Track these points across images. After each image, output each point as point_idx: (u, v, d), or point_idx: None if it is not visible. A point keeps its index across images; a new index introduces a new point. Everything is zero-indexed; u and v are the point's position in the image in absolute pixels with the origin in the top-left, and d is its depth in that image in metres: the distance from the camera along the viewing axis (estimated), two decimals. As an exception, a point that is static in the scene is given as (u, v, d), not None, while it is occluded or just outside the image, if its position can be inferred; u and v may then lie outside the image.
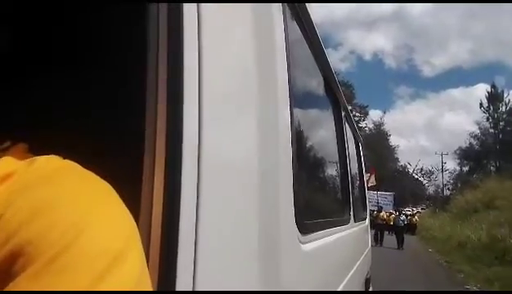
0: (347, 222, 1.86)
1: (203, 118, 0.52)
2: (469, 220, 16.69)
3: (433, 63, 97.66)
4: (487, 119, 42.95)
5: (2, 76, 0.51)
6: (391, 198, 25.39)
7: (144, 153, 0.48)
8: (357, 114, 46.29)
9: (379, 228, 16.65)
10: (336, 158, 2.00)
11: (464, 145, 45.80)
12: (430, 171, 54.09)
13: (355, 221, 2.17)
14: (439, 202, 37.57)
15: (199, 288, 0.49)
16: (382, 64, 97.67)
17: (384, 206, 22.34)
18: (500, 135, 41.70)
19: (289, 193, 0.88)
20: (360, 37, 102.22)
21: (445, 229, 18.30)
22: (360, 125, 46.78)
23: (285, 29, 0.92)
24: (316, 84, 1.64)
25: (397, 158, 58.06)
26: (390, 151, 55.50)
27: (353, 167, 2.62)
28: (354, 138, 2.97)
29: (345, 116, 2.27)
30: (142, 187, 0.47)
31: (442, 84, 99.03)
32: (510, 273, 8.01)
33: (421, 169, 55.91)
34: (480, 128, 43.96)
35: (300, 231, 0.94)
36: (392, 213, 20.47)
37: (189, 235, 0.49)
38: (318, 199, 1.46)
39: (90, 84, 0.70)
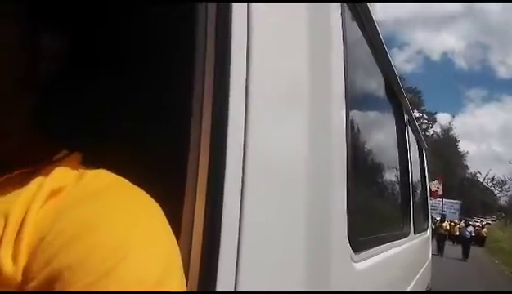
0: (406, 235, 1.73)
1: (249, 120, 0.50)
2: None
3: (510, 63, 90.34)
4: None
5: (58, 80, 0.50)
6: (457, 207, 23.79)
7: (189, 155, 0.46)
8: (425, 121, 44.33)
9: (441, 238, 15.65)
10: (397, 164, 1.87)
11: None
12: (502, 180, 50.41)
13: (415, 233, 2.02)
14: (510, 213, 34.90)
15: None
16: (452, 64, 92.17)
17: (449, 214, 21.14)
18: None
19: (342, 204, 0.81)
20: (428, 36, 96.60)
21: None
22: (427, 132, 44.75)
23: (343, 29, 0.85)
24: (376, 86, 1.53)
25: (467, 165, 54.76)
26: (459, 157, 52.44)
27: (415, 174, 2.46)
28: (418, 144, 2.78)
29: (408, 121, 2.12)
30: (185, 189, 0.46)
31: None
32: None
33: (492, 178, 52.26)
34: None
35: (353, 248, 0.86)
36: (456, 223, 19.38)
37: (230, 249, 0.46)
38: (375, 211, 1.35)
39: (138, 87, 0.68)
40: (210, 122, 0.46)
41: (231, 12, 0.48)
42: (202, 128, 0.46)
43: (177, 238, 0.40)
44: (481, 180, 53.92)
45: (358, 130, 1.18)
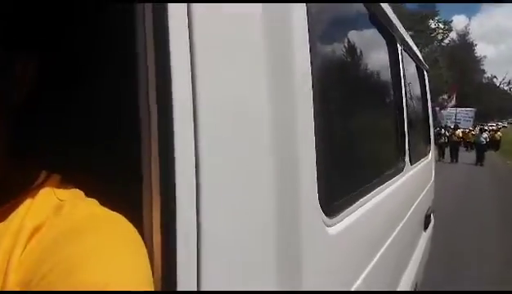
0: (399, 171, 1.69)
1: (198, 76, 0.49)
2: None
3: None
4: None
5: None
6: (472, 114, 23.38)
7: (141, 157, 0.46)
8: (441, 31, 42.13)
9: (454, 145, 16.47)
10: (386, 97, 1.78)
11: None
12: (517, 83, 48.89)
13: (412, 164, 1.98)
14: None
15: (204, 283, 0.48)
16: None
17: (463, 123, 21.00)
18: None
19: (311, 157, 0.74)
20: None
21: None
22: (443, 42, 42.75)
23: None
24: (358, 19, 1.40)
25: (483, 70, 52.96)
26: (476, 63, 50.61)
27: (413, 101, 2.36)
28: (417, 68, 2.65)
29: (402, 49, 1.99)
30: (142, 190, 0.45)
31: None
32: None
33: (509, 82, 50.67)
34: None
35: (325, 212, 0.80)
36: (471, 130, 19.37)
37: (189, 219, 0.47)
38: (357, 156, 1.28)
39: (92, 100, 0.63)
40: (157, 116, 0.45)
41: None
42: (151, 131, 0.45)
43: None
44: (497, 84, 52.41)
45: (332, 64, 1.08)
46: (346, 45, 1.29)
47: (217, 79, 0.54)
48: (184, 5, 0.48)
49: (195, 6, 0.49)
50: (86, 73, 0.61)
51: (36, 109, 0.53)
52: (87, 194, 0.46)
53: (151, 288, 0.40)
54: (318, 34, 0.87)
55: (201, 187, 0.49)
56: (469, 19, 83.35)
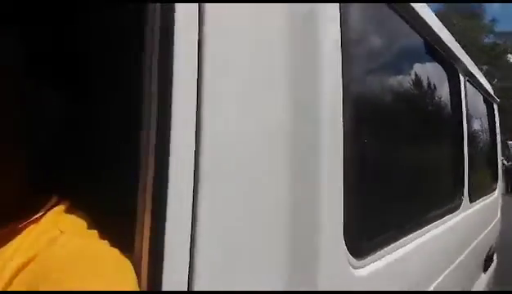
0: (454, 210, 1.57)
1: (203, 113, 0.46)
2: None
3: None
4: None
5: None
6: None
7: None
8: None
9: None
10: (443, 130, 1.66)
11: None
12: None
13: (472, 201, 1.83)
14: None
15: None
16: None
17: None
18: None
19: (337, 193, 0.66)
20: None
21: None
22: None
23: None
24: (412, 50, 1.34)
25: None
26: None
27: (477, 135, 2.19)
28: (485, 101, 2.47)
29: (466, 81, 1.86)
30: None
31: None
32: None
33: None
34: None
35: (352, 253, 0.71)
36: None
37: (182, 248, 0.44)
38: (398, 194, 1.20)
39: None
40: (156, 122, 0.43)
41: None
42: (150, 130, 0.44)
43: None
44: None
45: (373, 97, 1.00)
46: (401, 77, 1.24)
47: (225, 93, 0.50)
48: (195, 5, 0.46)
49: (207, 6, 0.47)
50: (85, 75, 0.58)
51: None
52: (92, 224, 0.46)
53: None
54: (370, 64, 0.83)
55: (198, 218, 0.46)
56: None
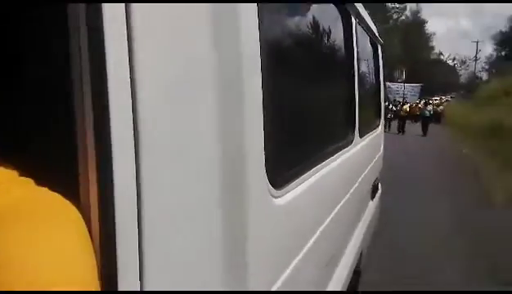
0: (348, 144, 1.69)
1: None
2: (486, 106, 17.78)
3: None
4: None
5: None
6: (417, 90, 24.57)
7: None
8: (397, 10, 43.37)
9: (402, 119, 17.89)
10: (337, 71, 1.75)
11: (504, 29, 42.69)
12: (463, 60, 51.31)
13: (361, 136, 1.99)
14: (469, 90, 36.36)
15: (147, 254, 0.47)
16: None
17: (410, 97, 22.08)
18: None
19: (259, 128, 0.72)
20: None
21: (464, 114, 19.29)
22: (399, 21, 44.10)
23: None
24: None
25: (433, 47, 54.88)
26: (425, 40, 52.23)
27: (365, 74, 2.36)
28: (371, 42, 2.64)
29: (358, 23, 1.95)
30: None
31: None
32: (497, 143, 10.70)
33: (453, 59, 53.06)
34: None
35: (272, 184, 0.78)
36: (417, 104, 20.52)
37: (129, 195, 0.45)
38: (305, 129, 1.24)
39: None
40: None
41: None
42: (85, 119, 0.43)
43: None
44: (444, 59, 54.65)
45: (281, 36, 1.03)
46: (298, 16, 1.24)
47: (155, 71, 0.51)
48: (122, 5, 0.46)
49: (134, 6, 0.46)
50: (15, 73, 0.56)
51: None
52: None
53: (92, 285, 0.37)
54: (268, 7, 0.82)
55: (141, 161, 0.47)
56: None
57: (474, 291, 3.14)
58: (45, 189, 0.40)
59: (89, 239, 0.39)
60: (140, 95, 0.47)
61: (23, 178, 0.41)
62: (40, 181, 0.43)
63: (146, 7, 0.48)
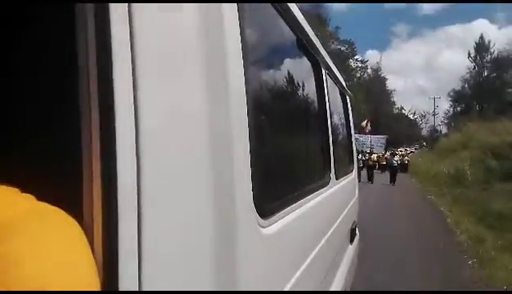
0: (326, 184, 1.75)
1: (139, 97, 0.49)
2: (447, 158, 19.45)
3: None
4: (474, 67, 44.73)
5: None
6: (383, 141, 25.57)
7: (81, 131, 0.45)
8: (359, 68, 46.03)
9: (370, 168, 18.52)
10: (312, 118, 1.84)
11: (456, 88, 45.87)
12: (423, 114, 54.11)
13: (337, 179, 2.06)
14: (430, 142, 38.07)
15: (144, 280, 0.48)
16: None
17: (376, 148, 22.90)
18: (484, 83, 42.93)
19: (246, 167, 0.76)
20: None
21: (427, 165, 21.44)
22: (361, 79, 46.55)
23: None
24: (285, 45, 1.46)
25: (394, 102, 57.83)
26: (387, 95, 55.11)
27: (337, 123, 2.48)
28: (340, 93, 2.80)
29: (327, 74, 2.09)
30: (82, 178, 0.45)
31: (440, 21, 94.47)
32: (459, 191, 12.11)
33: (414, 113, 55.91)
34: (471, 73, 44.24)
35: (260, 214, 0.82)
36: (384, 154, 21.24)
37: (130, 224, 0.47)
38: (286, 168, 1.30)
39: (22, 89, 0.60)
40: (98, 108, 0.44)
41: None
42: (92, 117, 0.44)
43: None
44: (406, 113, 57.42)
45: (262, 89, 1.09)
46: (274, 67, 1.33)
47: (157, 83, 0.53)
48: (125, 5, 0.48)
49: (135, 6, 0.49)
50: (22, 74, 0.58)
51: None
52: (24, 191, 0.44)
53: (93, 286, 0.39)
54: (250, 56, 0.89)
55: (141, 188, 0.48)
56: (381, 54, 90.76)
57: (474, 291, 3.10)
58: (46, 204, 0.43)
59: (89, 246, 0.42)
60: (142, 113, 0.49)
61: (25, 194, 0.44)
62: (45, 179, 0.44)
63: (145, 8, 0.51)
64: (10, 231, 0.37)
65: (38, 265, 0.36)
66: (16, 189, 0.43)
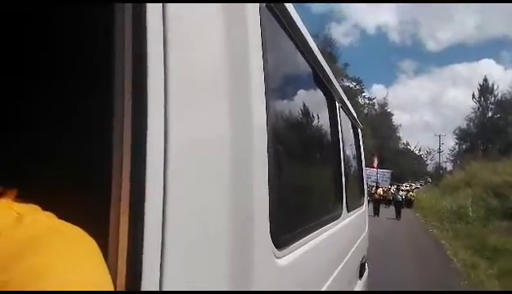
0: (337, 217, 1.71)
1: (169, 118, 0.48)
2: (450, 194, 19.84)
3: (438, 37, 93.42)
4: (478, 108, 44.76)
5: None
6: (388, 175, 25.36)
7: (112, 146, 0.45)
8: (367, 105, 46.59)
9: (376, 203, 18.29)
10: (326, 150, 1.83)
11: (462, 126, 45.86)
12: (428, 151, 53.89)
13: (348, 211, 2.02)
14: (435, 179, 37.72)
15: None
16: (386, 38, 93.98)
17: (381, 182, 22.66)
18: (488, 123, 43.01)
19: (264, 200, 0.75)
20: (363, 11, 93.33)
21: (431, 201, 21.93)
22: (369, 112, 47.01)
23: (262, 28, 0.79)
24: (303, 79, 1.47)
25: (399, 137, 57.73)
26: (392, 131, 55.06)
27: (349, 155, 2.46)
28: (352, 125, 2.79)
29: (340, 107, 2.09)
30: (112, 184, 0.45)
31: (446, 59, 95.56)
32: (461, 227, 12.84)
33: (419, 149, 55.74)
34: (475, 113, 44.38)
35: (276, 245, 0.81)
36: (389, 189, 21.06)
37: (154, 248, 0.46)
38: (301, 200, 1.29)
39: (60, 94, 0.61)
40: (131, 122, 0.44)
41: (145, 12, 0.45)
42: (123, 129, 0.44)
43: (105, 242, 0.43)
44: (411, 149, 57.24)
45: (282, 124, 1.11)
46: (292, 100, 1.34)
47: (184, 114, 0.53)
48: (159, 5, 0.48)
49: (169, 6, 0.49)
50: (49, 83, 0.57)
51: None
52: (44, 209, 0.44)
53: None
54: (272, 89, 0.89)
55: (166, 219, 0.48)
56: (387, 88, 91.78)
57: (474, 291, 2.98)
58: (65, 222, 0.43)
59: (104, 262, 0.42)
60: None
61: (46, 212, 0.44)
62: (76, 175, 0.44)
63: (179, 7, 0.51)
64: (32, 247, 0.38)
65: (67, 278, 0.37)
66: (37, 207, 0.44)
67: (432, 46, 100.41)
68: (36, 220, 0.41)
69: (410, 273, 6.63)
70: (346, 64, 41.15)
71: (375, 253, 5.90)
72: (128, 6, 0.45)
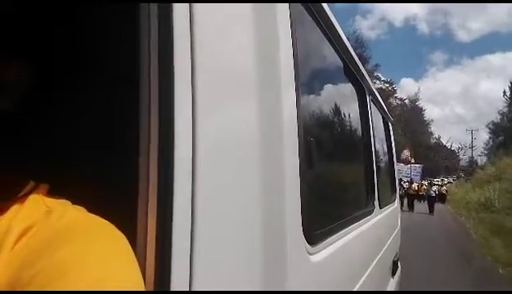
0: (370, 213, 1.62)
1: (197, 115, 0.46)
2: (481, 188, 20.23)
3: (469, 27, 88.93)
4: (508, 106, 41.64)
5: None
6: (419, 170, 24.61)
7: (139, 146, 0.43)
8: (399, 104, 45.54)
9: (411, 197, 18.01)
10: (358, 143, 1.74)
11: (495, 120, 43.70)
12: (460, 147, 51.90)
13: (380, 208, 1.92)
14: (467, 174, 36.34)
15: None
16: (414, 30, 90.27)
17: (413, 177, 22.00)
18: None
19: (296, 197, 0.72)
20: (390, 4, 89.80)
21: (462, 194, 22.89)
22: (401, 113, 46.09)
23: (291, 21, 0.76)
24: (333, 72, 1.40)
25: (431, 132, 55.85)
26: (424, 126, 53.30)
27: (380, 149, 2.35)
28: (383, 119, 2.66)
29: (371, 100, 1.99)
30: (139, 187, 0.43)
31: (478, 49, 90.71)
32: (486, 215, 14.22)
33: (451, 145, 53.77)
34: (509, 107, 42.06)
35: (308, 241, 0.78)
36: (423, 184, 20.61)
37: (183, 247, 0.44)
38: (333, 196, 1.22)
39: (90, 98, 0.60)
40: (158, 119, 0.42)
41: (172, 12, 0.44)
42: (150, 126, 0.43)
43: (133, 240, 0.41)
44: (444, 143, 55.26)
45: (312, 116, 1.06)
46: (323, 93, 1.28)
47: (214, 108, 0.51)
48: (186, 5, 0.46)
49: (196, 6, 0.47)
50: (77, 82, 0.57)
51: (25, 119, 0.49)
52: (75, 203, 0.44)
53: (143, 289, 0.38)
54: (302, 83, 0.86)
55: (195, 209, 0.46)
56: (417, 81, 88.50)
57: (474, 291, 2.82)
58: (96, 216, 0.42)
59: (135, 259, 0.40)
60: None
61: (77, 206, 0.43)
62: (103, 175, 0.45)
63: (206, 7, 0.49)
64: (61, 239, 0.37)
65: (94, 271, 0.35)
66: (68, 201, 0.43)
67: (463, 36, 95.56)
68: (66, 213, 0.40)
69: (443, 242, 9.03)
70: (377, 65, 40.24)
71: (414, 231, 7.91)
72: (154, 7, 0.43)
